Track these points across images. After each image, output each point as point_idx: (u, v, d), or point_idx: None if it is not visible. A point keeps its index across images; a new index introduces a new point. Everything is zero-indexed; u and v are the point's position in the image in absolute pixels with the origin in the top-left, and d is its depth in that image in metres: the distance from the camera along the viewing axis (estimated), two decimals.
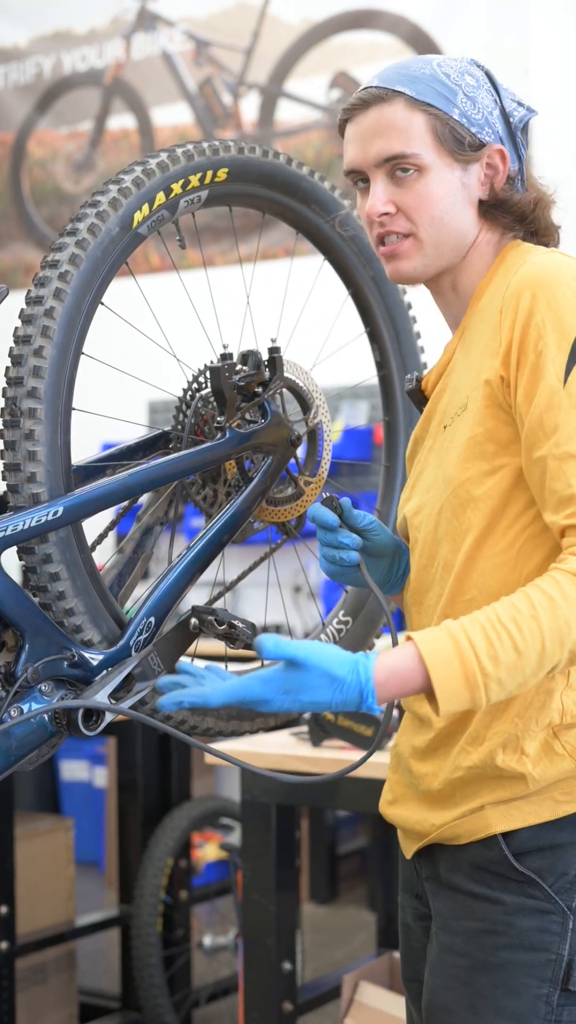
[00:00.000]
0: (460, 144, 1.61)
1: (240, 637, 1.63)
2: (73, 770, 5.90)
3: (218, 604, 1.83)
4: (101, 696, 1.55)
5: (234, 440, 1.73)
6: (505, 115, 1.66)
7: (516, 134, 1.67)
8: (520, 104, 1.69)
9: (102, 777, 5.73)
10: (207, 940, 3.89)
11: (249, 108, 6.22)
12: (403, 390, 1.96)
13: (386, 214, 1.62)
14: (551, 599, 1.43)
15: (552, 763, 1.53)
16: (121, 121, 6.56)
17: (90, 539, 1.68)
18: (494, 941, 1.53)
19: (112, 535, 2.05)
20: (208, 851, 4.49)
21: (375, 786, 2.60)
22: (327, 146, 5.82)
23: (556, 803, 1.54)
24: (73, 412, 1.57)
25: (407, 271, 1.65)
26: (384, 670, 1.43)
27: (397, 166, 1.61)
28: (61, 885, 3.68)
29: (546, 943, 1.51)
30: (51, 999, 3.59)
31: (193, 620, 1.65)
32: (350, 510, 1.68)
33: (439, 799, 1.60)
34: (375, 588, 1.65)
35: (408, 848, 1.67)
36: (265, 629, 5.10)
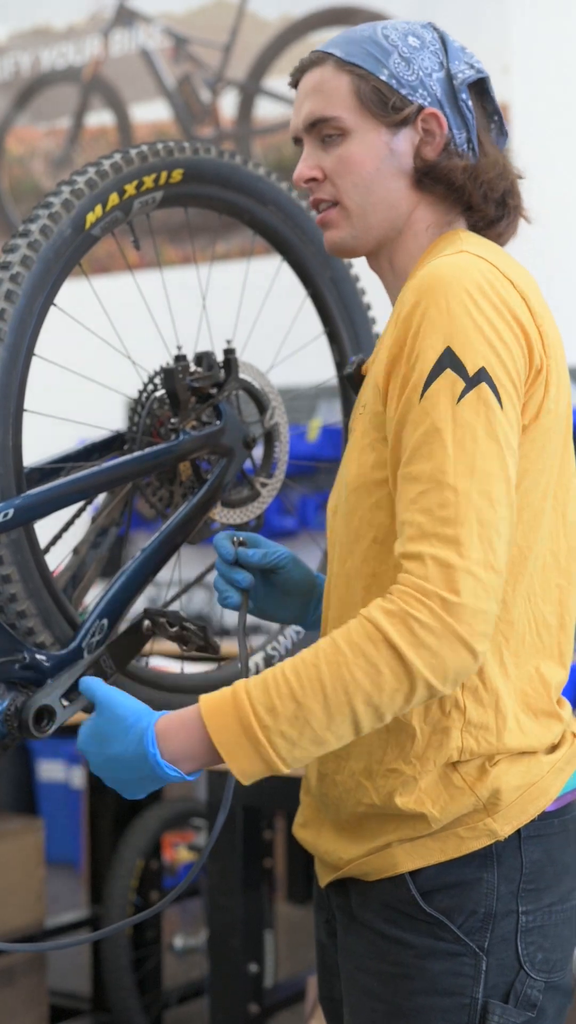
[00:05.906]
0: (384, 105, 1.51)
1: (192, 639, 1.62)
2: (50, 770, 5.88)
3: (175, 605, 1.82)
4: (53, 698, 1.54)
5: (187, 442, 1.72)
6: (450, 78, 1.53)
7: (460, 97, 1.53)
8: (472, 66, 1.55)
9: (79, 777, 5.71)
10: (178, 941, 3.87)
11: (228, 105, 6.21)
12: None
13: (312, 180, 1.57)
14: (335, 646, 1.33)
15: (453, 799, 1.44)
16: (100, 118, 6.54)
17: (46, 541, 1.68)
18: (408, 986, 1.45)
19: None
20: (182, 852, 4.48)
21: None
22: None
23: (461, 840, 1.45)
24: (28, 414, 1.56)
25: (336, 240, 1.58)
26: (168, 718, 1.38)
27: (323, 131, 1.55)
28: (31, 886, 3.66)
29: (459, 987, 1.44)
30: (20, 1001, 3.57)
31: (146, 622, 1.64)
32: (251, 548, 1.63)
33: (347, 829, 1.52)
34: (241, 636, 1.59)
35: (321, 876, 1.59)
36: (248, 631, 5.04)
